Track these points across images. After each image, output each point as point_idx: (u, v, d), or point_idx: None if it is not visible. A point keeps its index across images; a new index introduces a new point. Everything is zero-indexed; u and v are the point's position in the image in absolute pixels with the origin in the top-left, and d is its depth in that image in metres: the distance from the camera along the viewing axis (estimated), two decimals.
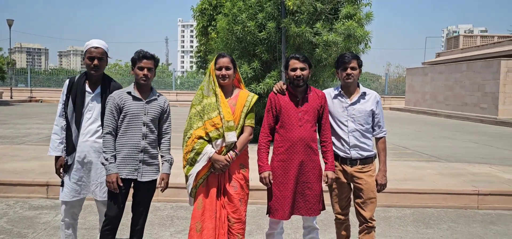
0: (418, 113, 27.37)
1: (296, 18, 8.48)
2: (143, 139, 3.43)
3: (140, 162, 3.43)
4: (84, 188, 3.56)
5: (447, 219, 5.34)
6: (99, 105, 3.53)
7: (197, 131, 3.39)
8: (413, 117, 24.13)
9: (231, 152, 3.37)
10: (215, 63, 3.46)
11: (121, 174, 3.36)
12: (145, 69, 3.40)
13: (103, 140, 3.37)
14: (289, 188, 3.40)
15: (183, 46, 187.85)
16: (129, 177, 3.40)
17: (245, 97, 3.49)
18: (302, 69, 3.37)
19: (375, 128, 3.55)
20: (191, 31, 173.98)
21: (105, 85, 3.57)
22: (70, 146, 3.49)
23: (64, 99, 3.56)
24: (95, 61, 3.47)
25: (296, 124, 3.39)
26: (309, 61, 3.43)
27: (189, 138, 3.43)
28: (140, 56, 3.41)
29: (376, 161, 3.57)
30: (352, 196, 3.63)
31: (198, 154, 3.36)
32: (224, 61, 3.42)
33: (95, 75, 3.55)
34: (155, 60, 3.48)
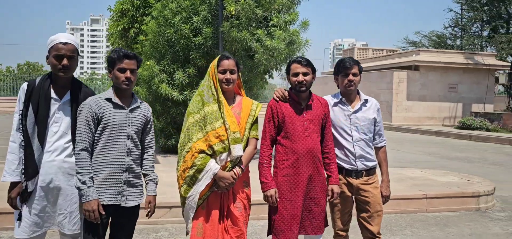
0: None
1: (233, 23, 8.18)
2: (127, 155, 2.85)
3: (124, 184, 2.84)
4: (47, 220, 2.83)
5: (406, 225, 5.46)
6: (69, 116, 2.85)
7: (197, 144, 2.91)
8: None
9: (237, 167, 2.95)
10: (218, 66, 3.01)
11: (102, 199, 2.74)
12: (128, 71, 2.83)
13: (76, 158, 2.72)
14: (298, 206, 3.08)
15: None
16: (112, 202, 2.79)
17: (250, 105, 3.09)
18: (304, 74, 3.09)
19: (375, 137, 3.40)
20: (82, 35, 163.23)
21: (76, 91, 2.90)
22: (32, 168, 2.75)
23: (21, 109, 2.80)
24: (65, 61, 2.79)
25: (302, 134, 3.08)
26: (313, 66, 3.17)
27: (187, 152, 2.93)
28: (120, 56, 2.83)
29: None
30: (354, 210, 3.43)
31: (199, 170, 2.89)
32: (229, 63, 2.99)
33: (64, 78, 2.86)
34: (138, 60, 2.91)
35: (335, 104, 3.35)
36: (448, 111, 25.40)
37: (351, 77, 3.26)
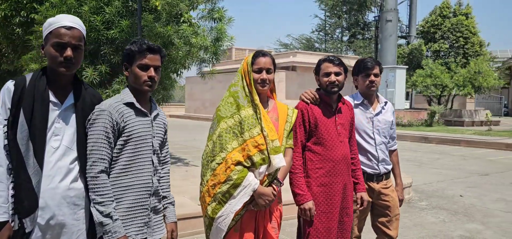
0: (199, 120, 28.58)
1: (156, 17, 7.45)
2: (154, 174, 2.29)
3: (151, 211, 2.28)
4: None
5: None
6: (73, 126, 2.15)
7: (233, 154, 2.47)
8: (196, 124, 25.02)
9: (276, 182, 2.59)
10: (252, 63, 2.60)
11: (128, 234, 2.15)
12: (151, 69, 2.27)
13: (94, 184, 2.10)
14: (334, 218, 2.86)
15: None
16: (139, 237, 2.22)
17: (286, 111, 2.75)
18: (337, 73, 2.88)
19: (389, 140, 3.37)
20: None
21: (80, 92, 2.21)
22: (29, 200, 2.02)
23: (6, 118, 2.03)
24: (68, 52, 2.10)
25: (336, 140, 2.87)
26: (344, 65, 2.97)
27: (219, 163, 2.48)
28: (142, 49, 2.26)
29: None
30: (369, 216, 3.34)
31: (235, 186, 2.46)
32: (266, 61, 2.61)
33: (66, 75, 2.16)
34: (162, 55, 2.36)
35: (356, 106, 3.22)
36: None
37: (372, 77, 3.15)
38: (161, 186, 2.40)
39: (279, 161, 2.54)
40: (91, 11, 7.38)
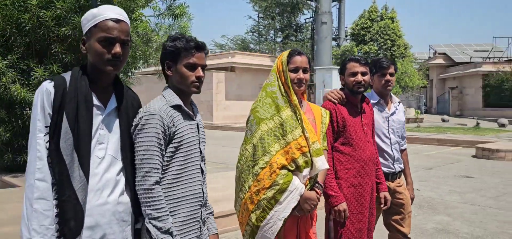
0: None
1: None
2: (203, 183, 2.10)
3: (202, 224, 2.09)
4: None
5: None
6: (117, 132, 1.90)
7: (277, 158, 2.34)
8: None
9: (317, 185, 2.51)
10: (288, 62, 2.48)
11: None
12: (200, 69, 2.07)
13: (149, 196, 1.87)
14: (365, 219, 2.84)
15: None
16: None
17: (320, 112, 2.67)
18: (363, 73, 2.87)
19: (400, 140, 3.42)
20: None
21: (121, 94, 1.96)
22: (75, 220, 1.75)
23: (48, 125, 1.73)
24: (117, 48, 1.83)
25: (364, 140, 2.86)
26: (370, 65, 2.96)
27: (262, 168, 2.35)
28: (190, 46, 2.05)
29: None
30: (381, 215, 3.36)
31: (282, 191, 2.34)
32: (303, 60, 2.51)
33: (110, 75, 1.90)
34: (206, 53, 2.16)
35: (372, 105, 3.21)
36: None
37: (388, 77, 3.17)
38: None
39: (322, 164, 2.45)
40: (40, 6, 6.72)
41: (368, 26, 30.50)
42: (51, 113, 1.73)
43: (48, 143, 1.71)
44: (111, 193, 1.83)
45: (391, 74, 3.21)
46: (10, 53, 6.86)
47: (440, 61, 39.68)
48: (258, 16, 39.41)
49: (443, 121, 26.93)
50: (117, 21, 1.84)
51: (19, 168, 7.25)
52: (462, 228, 5.46)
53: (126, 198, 1.89)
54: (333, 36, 36.07)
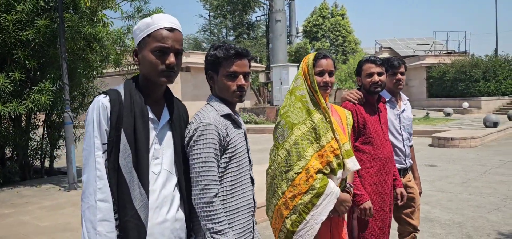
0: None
1: (82, 16, 6.59)
2: (253, 192, 2.05)
3: (253, 234, 2.04)
4: None
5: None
6: (171, 146, 1.80)
7: (313, 162, 2.33)
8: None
9: (348, 186, 2.52)
10: (314, 66, 2.46)
11: None
12: (241, 77, 2.00)
13: (209, 210, 1.81)
14: (387, 216, 2.90)
15: None
16: None
17: (344, 113, 2.69)
18: (379, 74, 2.91)
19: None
20: None
21: (172, 106, 1.87)
22: None
23: (106, 142, 1.60)
24: (171, 58, 1.74)
25: (383, 139, 2.91)
26: (386, 65, 3.00)
27: (298, 173, 2.34)
28: (230, 54, 1.98)
29: None
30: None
31: (318, 195, 2.33)
32: (328, 64, 2.50)
33: (162, 87, 1.80)
34: (249, 59, 2.09)
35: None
36: None
37: (399, 76, 3.25)
38: None
39: (353, 165, 2.46)
40: (0, 9, 6.26)
41: (319, 23, 31.19)
42: (108, 129, 1.60)
43: (108, 161, 1.58)
44: (169, 210, 1.74)
45: (402, 73, 3.29)
46: None
47: (386, 55, 41.37)
48: (209, 15, 39.13)
49: None
50: (171, 30, 1.74)
51: None
52: (443, 215, 5.71)
53: (181, 214, 1.80)
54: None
